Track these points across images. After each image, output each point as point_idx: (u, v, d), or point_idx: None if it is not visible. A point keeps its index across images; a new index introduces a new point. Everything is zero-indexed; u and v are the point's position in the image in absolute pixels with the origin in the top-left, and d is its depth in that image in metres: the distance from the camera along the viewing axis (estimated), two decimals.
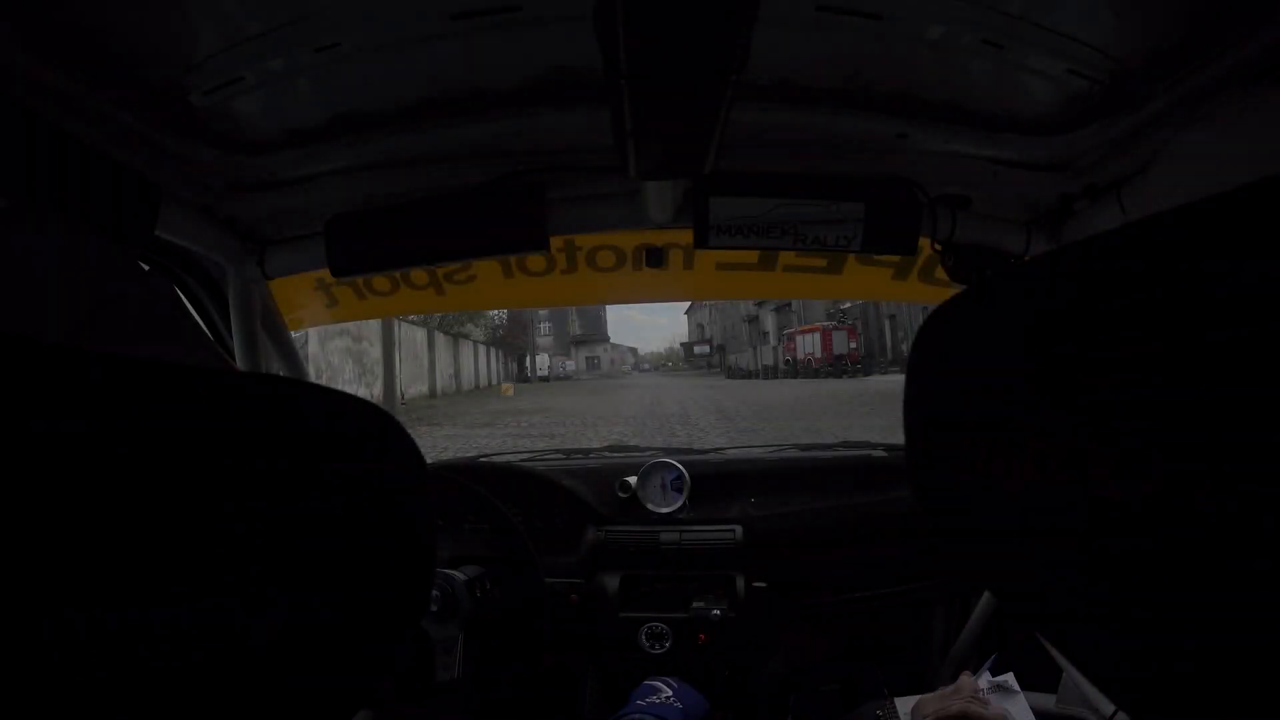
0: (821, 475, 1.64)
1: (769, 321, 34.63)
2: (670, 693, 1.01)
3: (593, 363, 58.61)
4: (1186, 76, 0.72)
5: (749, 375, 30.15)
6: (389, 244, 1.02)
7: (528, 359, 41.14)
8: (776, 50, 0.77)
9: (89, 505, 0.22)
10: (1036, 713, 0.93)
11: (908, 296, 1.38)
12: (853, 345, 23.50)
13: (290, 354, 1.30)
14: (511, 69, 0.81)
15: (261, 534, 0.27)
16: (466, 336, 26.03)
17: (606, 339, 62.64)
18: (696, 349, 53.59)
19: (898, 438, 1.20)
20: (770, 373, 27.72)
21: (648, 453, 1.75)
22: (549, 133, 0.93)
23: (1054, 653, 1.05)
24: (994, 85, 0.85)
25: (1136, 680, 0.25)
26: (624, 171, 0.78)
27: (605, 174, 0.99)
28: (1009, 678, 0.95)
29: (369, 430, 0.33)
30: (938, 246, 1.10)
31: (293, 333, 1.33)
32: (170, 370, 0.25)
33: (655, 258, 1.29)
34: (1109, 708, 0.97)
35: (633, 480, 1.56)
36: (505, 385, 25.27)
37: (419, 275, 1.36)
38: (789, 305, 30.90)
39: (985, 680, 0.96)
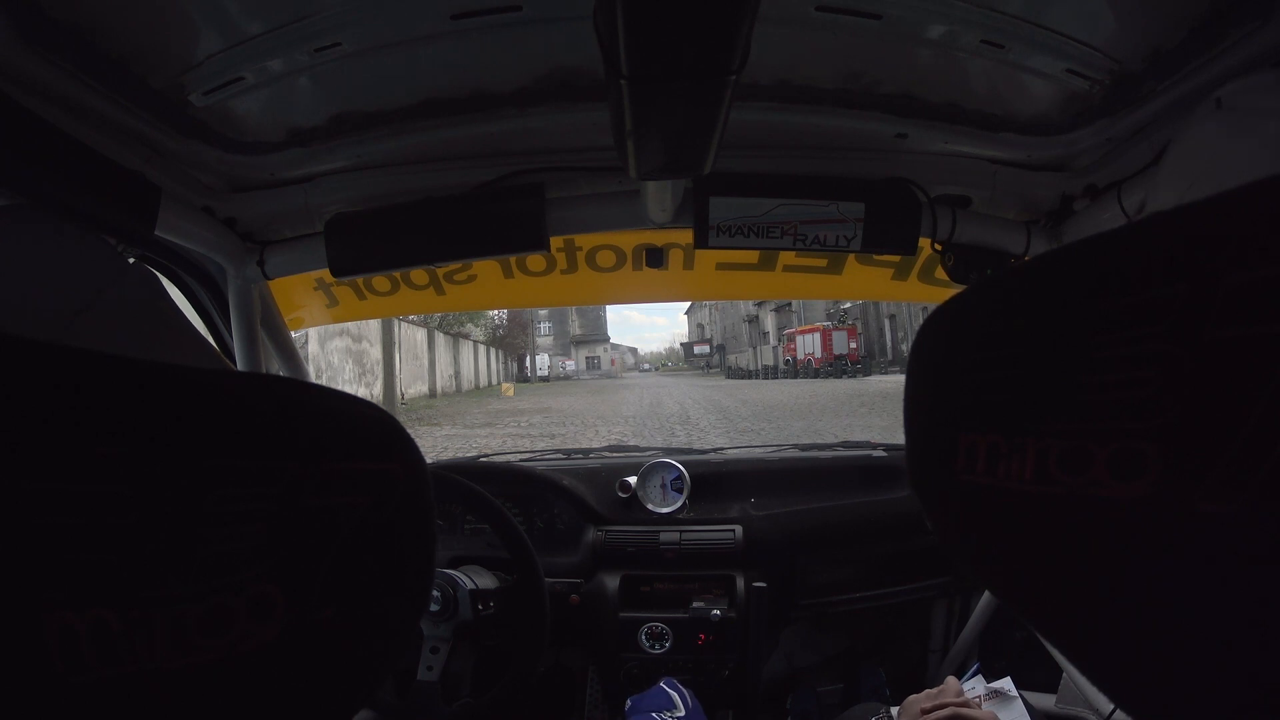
0: (821, 475, 1.64)
1: (769, 321, 34.63)
2: (683, 713, 0.96)
3: (593, 363, 58.58)
4: (1187, 76, 0.72)
5: (749, 375, 30.12)
6: (389, 244, 1.01)
7: (528, 359, 41.13)
8: (776, 50, 0.77)
9: (90, 504, 0.22)
10: (1036, 713, 0.93)
11: (908, 296, 1.38)
12: (853, 345, 23.49)
13: (290, 354, 1.30)
14: (512, 69, 0.81)
15: (263, 534, 0.27)
16: (466, 336, 26.02)
17: (606, 339, 62.56)
18: (696, 349, 53.54)
19: (898, 438, 1.20)
20: (770, 373, 27.70)
21: (648, 453, 1.75)
22: (549, 133, 0.93)
23: (1054, 653, 1.05)
24: (994, 85, 0.85)
25: (1136, 680, 0.25)
26: (624, 171, 0.78)
27: (605, 174, 0.99)
28: (1006, 682, 0.95)
29: (369, 430, 0.33)
30: (938, 246, 1.10)
31: (293, 333, 1.33)
32: (172, 371, 0.25)
33: (655, 258, 1.29)
34: (1109, 707, 0.97)
35: (633, 480, 1.57)
36: (505, 385, 25.25)
37: (419, 275, 1.36)
38: (789, 305, 30.89)
39: (981, 686, 0.95)
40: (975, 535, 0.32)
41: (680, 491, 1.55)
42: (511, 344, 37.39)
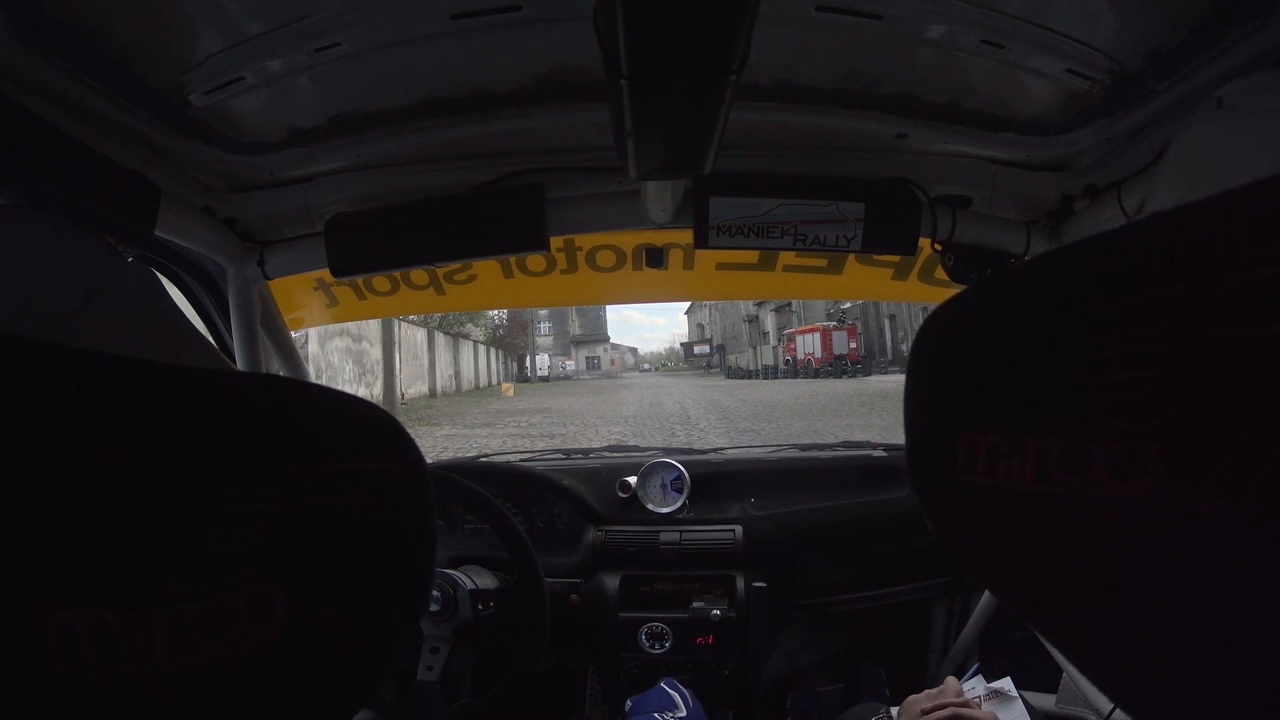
0: (821, 475, 1.64)
1: (769, 321, 34.64)
2: (684, 713, 0.97)
3: (593, 363, 58.56)
4: (1187, 76, 0.73)
5: (749, 375, 30.12)
6: (389, 244, 1.01)
7: (528, 359, 41.13)
8: (776, 50, 0.77)
9: (90, 504, 0.22)
10: (1036, 713, 0.93)
11: (908, 296, 1.38)
12: (853, 345, 23.49)
13: (290, 354, 1.30)
14: (512, 69, 0.81)
15: (262, 534, 0.27)
16: (466, 336, 26.02)
17: (606, 339, 62.53)
18: (696, 349, 53.53)
19: (898, 438, 1.20)
20: (770, 373, 27.69)
21: (648, 453, 1.75)
22: (549, 133, 0.93)
23: (1054, 653, 1.05)
24: (994, 85, 0.85)
25: (1136, 680, 0.25)
26: (624, 171, 0.78)
27: (605, 174, 0.99)
28: (1006, 682, 0.95)
29: (369, 430, 0.33)
30: (938, 246, 1.10)
31: (293, 333, 1.33)
32: (172, 371, 0.25)
33: (655, 258, 1.29)
34: (1109, 707, 0.97)
35: (633, 480, 1.57)
36: (506, 385, 25.26)
37: (419, 275, 1.36)
38: (789, 305, 30.90)
39: (981, 687, 0.95)
40: (975, 535, 0.32)
41: (680, 491, 1.55)
42: (511, 344, 37.40)
